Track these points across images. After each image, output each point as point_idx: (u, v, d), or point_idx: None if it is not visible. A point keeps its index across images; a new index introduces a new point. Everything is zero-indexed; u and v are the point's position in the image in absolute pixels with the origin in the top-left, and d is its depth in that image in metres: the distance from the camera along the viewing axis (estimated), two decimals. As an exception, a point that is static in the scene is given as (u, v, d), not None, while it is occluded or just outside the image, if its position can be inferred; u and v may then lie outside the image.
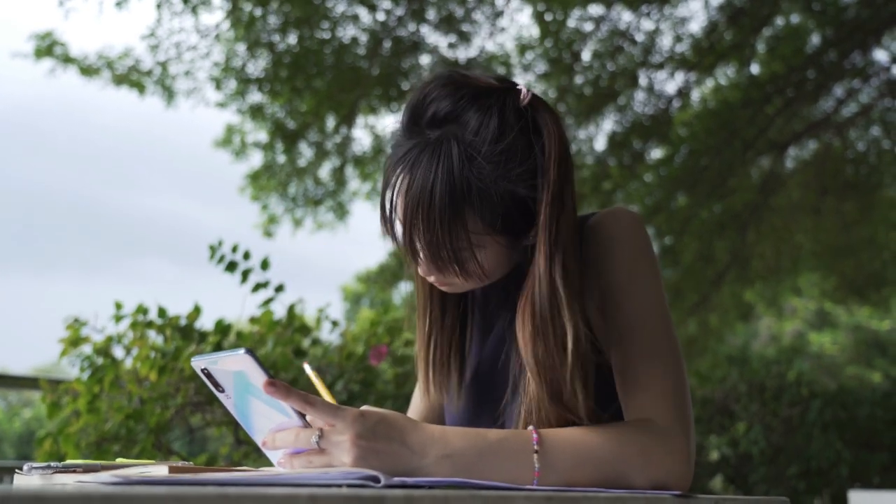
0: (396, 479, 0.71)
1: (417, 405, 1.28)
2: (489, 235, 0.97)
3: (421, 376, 1.17)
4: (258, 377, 0.81)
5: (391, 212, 0.98)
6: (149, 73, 6.35)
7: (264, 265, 2.61)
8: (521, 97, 0.99)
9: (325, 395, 0.98)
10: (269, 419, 0.86)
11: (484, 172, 0.93)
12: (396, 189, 0.97)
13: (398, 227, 0.98)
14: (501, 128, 0.95)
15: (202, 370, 0.86)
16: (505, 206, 0.95)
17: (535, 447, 0.84)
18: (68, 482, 0.82)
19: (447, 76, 0.99)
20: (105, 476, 0.72)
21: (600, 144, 7.53)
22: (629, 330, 1.00)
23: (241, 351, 0.80)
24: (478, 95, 0.97)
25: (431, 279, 1.05)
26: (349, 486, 0.67)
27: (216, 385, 0.87)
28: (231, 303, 2.65)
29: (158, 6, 5.77)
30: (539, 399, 0.95)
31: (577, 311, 0.96)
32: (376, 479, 0.68)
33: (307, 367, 1.03)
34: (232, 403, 0.89)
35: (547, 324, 0.95)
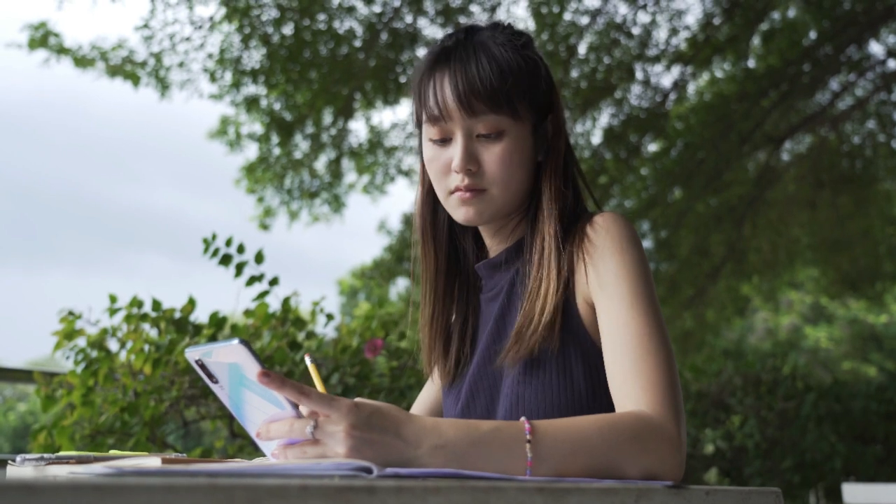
0: (389, 470, 0.71)
1: (425, 392, 1.37)
2: (523, 103, 1.12)
3: (424, 355, 1.25)
4: (252, 368, 0.80)
5: (437, 95, 1.11)
6: (143, 64, 6.33)
7: (258, 258, 2.61)
8: None
9: (320, 388, 0.98)
10: (262, 411, 0.86)
11: (509, 46, 1.12)
12: (444, 75, 1.11)
13: (446, 95, 1.10)
14: (514, 32, 1.16)
15: (196, 361, 0.86)
16: (531, 75, 1.13)
17: (528, 437, 0.84)
18: (60, 473, 0.82)
19: None
20: (98, 467, 0.72)
21: (596, 138, 7.53)
22: (618, 322, 1.01)
23: (235, 341, 0.80)
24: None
25: (458, 182, 1.12)
26: (341, 476, 0.66)
27: (210, 376, 0.87)
28: (228, 296, 2.65)
29: (153, -2, 5.75)
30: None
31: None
32: (369, 471, 0.68)
33: (308, 359, 1.03)
34: (226, 395, 0.89)
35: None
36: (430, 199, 1.24)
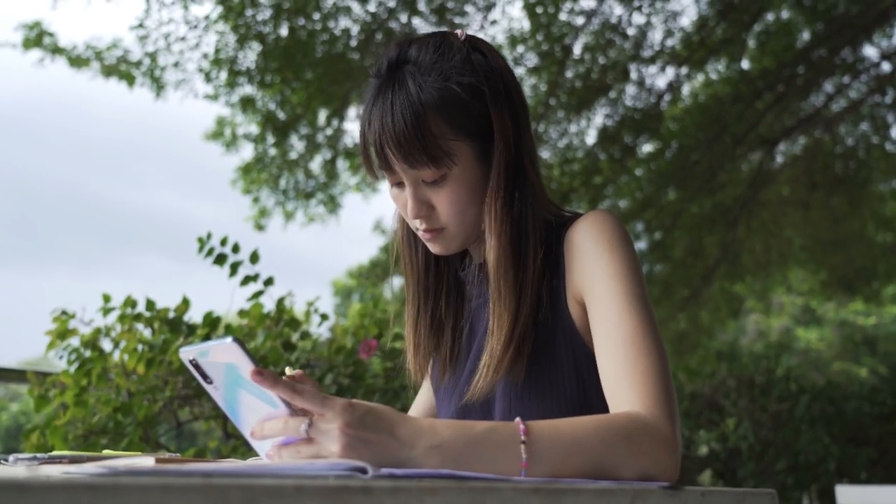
0: (384, 471, 0.71)
1: (419, 399, 1.37)
2: (457, 140, 1.07)
3: (409, 355, 1.25)
4: (246, 367, 0.80)
5: (367, 145, 1.10)
6: (138, 64, 6.31)
7: (253, 258, 2.60)
8: (459, 35, 1.13)
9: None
10: (256, 412, 0.85)
11: (432, 77, 1.07)
12: (367, 124, 1.09)
13: (373, 151, 1.09)
14: (439, 45, 1.10)
15: (190, 361, 0.85)
16: (461, 104, 1.07)
17: (523, 438, 0.84)
18: (53, 473, 0.81)
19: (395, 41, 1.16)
20: (91, 467, 0.72)
21: (591, 138, 7.54)
22: (610, 322, 1.01)
23: (229, 339, 0.79)
24: (419, 38, 1.13)
25: (417, 225, 1.13)
26: (336, 476, 0.66)
27: (204, 376, 0.86)
28: (223, 297, 2.64)
29: (147, -3, 5.74)
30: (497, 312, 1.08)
31: (523, 200, 1.12)
32: (364, 471, 0.68)
33: (287, 370, 1.05)
34: (220, 395, 0.88)
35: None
36: None
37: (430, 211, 1.11)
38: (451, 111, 1.06)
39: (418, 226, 1.13)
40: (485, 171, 1.11)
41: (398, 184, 1.12)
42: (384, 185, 1.17)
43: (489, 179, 1.11)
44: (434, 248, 1.16)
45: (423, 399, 1.36)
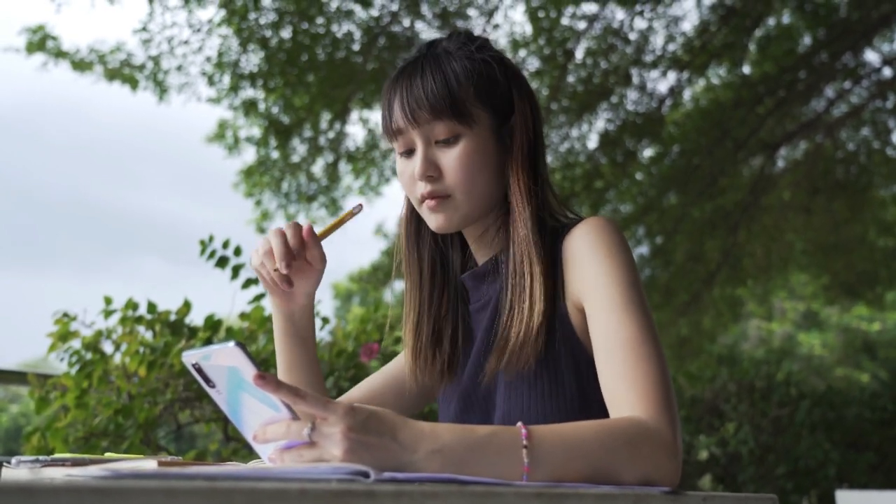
0: (386, 475, 0.71)
1: (367, 380, 1.37)
2: (479, 106, 1.12)
3: (407, 356, 1.25)
4: (248, 371, 0.80)
5: (391, 103, 1.14)
6: (141, 67, 6.32)
7: (255, 261, 2.60)
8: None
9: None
10: (259, 415, 0.85)
11: (463, 51, 1.14)
12: (395, 80, 1.15)
13: (396, 107, 1.13)
14: (470, 35, 1.18)
15: (193, 365, 0.85)
16: (489, 77, 1.14)
17: (524, 442, 0.84)
18: (57, 476, 0.82)
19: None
20: (94, 470, 0.72)
21: (592, 142, 7.54)
22: (609, 328, 1.01)
23: (231, 344, 0.80)
24: (447, 35, 1.20)
25: (421, 190, 1.13)
26: (339, 480, 0.66)
27: (207, 380, 0.87)
28: (224, 300, 2.64)
29: (151, 1, 5.75)
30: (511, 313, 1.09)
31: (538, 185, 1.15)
32: (366, 475, 0.68)
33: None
34: (223, 399, 0.89)
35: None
36: (414, 213, 1.24)
37: (438, 174, 1.12)
38: (479, 80, 1.13)
39: (422, 191, 1.13)
40: (497, 147, 1.14)
41: (408, 152, 1.14)
42: (386, 189, 1.19)
43: (500, 156, 1.14)
44: (436, 221, 1.14)
45: (375, 382, 1.35)
